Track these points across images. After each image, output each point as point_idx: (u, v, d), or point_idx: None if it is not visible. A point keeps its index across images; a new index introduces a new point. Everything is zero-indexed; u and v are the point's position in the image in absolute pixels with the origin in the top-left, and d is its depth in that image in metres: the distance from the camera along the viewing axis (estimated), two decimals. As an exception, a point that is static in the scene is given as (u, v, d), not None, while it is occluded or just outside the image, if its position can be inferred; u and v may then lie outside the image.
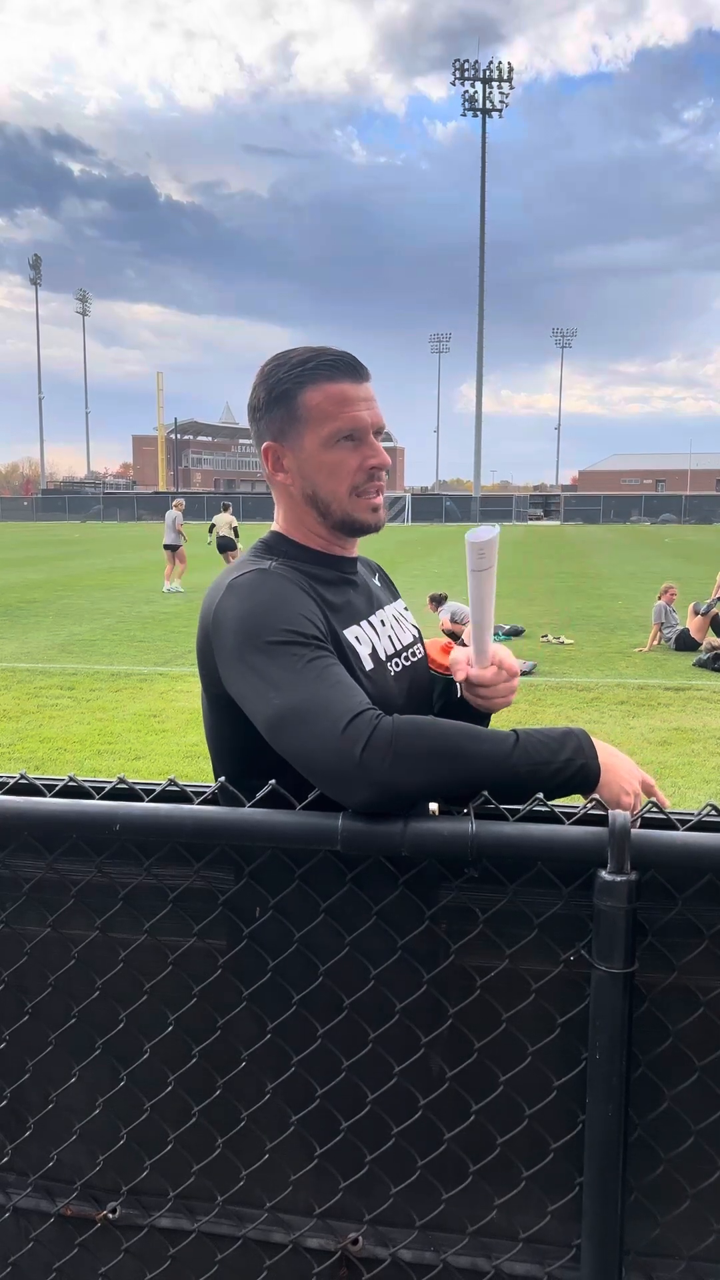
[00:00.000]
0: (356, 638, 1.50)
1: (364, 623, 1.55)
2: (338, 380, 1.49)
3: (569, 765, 1.25)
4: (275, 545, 1.56)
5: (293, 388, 1.49)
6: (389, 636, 1.59)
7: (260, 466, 1.57)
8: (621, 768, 1.31)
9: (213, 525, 21.03)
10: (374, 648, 1.53)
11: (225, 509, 21.10)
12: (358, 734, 1.19)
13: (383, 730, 1.20)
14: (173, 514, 19.07)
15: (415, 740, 1.20)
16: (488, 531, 1.40)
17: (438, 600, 11.76)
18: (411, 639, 1.67)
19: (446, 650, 1.65)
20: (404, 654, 1.61)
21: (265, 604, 1.38)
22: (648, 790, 1.33)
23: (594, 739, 1.31)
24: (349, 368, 1.50)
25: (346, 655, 1.45)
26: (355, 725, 1.20)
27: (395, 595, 1.76)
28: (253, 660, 1.32)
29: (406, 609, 1.75)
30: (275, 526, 1.60)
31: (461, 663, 1.53)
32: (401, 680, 1.56)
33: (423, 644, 1.69)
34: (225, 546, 19.96)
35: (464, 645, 1.59)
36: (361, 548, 1.67)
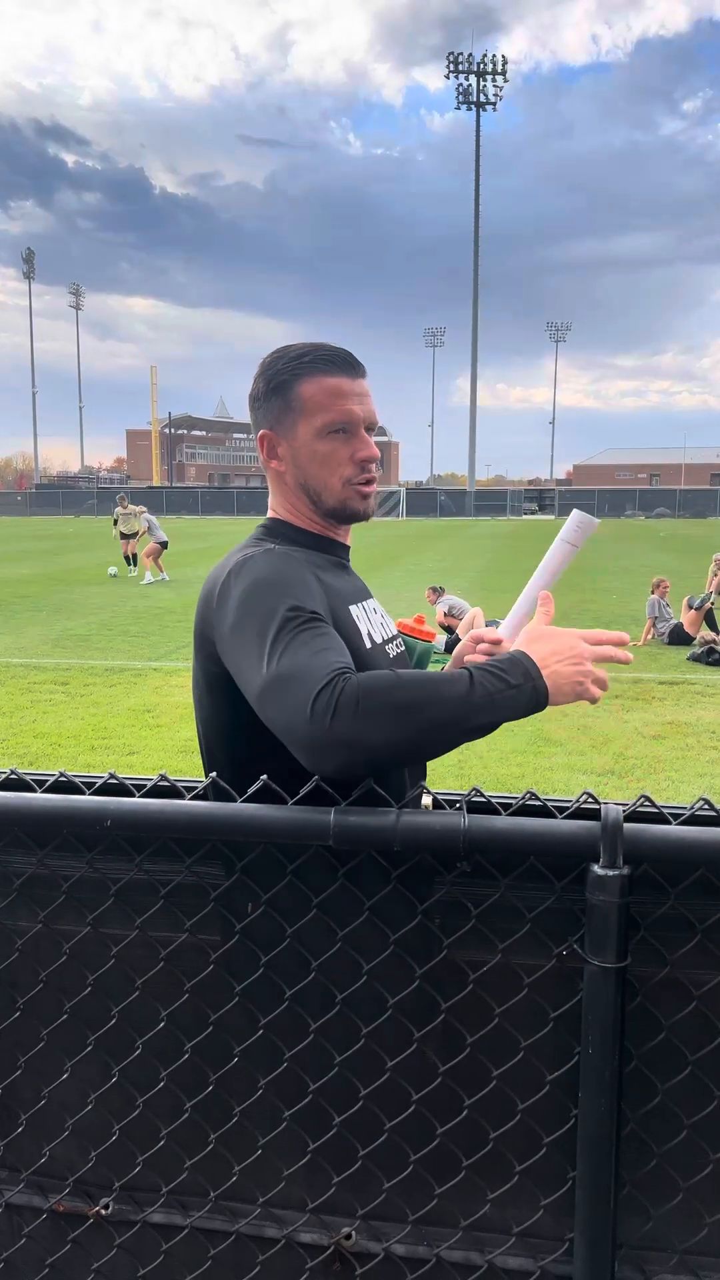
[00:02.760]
0: (357, 617, 1.53)
1: (359, 605, 1.57)
2: (333, 374, 1.54)
3: (521, 690, 1.24)
4: (275, 529, 1.59)
5: (289, 379, 1.54)
6: (379, 624, 1.62)
7: (255, 458, 1.59)
8: (563, 655, 1.30)
9: (118, 519, 21.67)
10: (369, 630, 1.56)
11: (123, 501, 21.74)
12: (329, 700, 1.18)
13: (348, 692, 1.18)
14: (149, 516, 20.20)
15: (378, 694, 1.18)
16: (593, 519, 1.56)
17: (437, 592, 11.78)
18: (394, 633, 1.70)
19: (420, 620, 1.81)
20: (392, 643, 1.65)
21: (268, 581, 1.39)
22: (606, 656, 1.34)
23: (529, 654, 1.29)
24: (345, 363, 1.55)
25: (349, 633, 1.46)
26: (326, 691, 1.19)
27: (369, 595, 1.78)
28: (250, 635, 1.33)
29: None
30: (272, 512, 1.63)
31: (488, 631, 1.56)
32: (393, 666, 1.58)
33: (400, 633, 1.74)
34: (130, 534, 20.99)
35: (451, 633, 1.64)
36: (355, 539, 1.68)
